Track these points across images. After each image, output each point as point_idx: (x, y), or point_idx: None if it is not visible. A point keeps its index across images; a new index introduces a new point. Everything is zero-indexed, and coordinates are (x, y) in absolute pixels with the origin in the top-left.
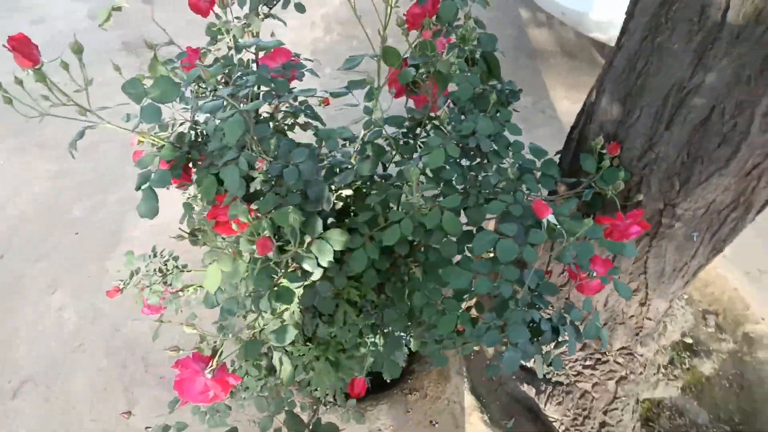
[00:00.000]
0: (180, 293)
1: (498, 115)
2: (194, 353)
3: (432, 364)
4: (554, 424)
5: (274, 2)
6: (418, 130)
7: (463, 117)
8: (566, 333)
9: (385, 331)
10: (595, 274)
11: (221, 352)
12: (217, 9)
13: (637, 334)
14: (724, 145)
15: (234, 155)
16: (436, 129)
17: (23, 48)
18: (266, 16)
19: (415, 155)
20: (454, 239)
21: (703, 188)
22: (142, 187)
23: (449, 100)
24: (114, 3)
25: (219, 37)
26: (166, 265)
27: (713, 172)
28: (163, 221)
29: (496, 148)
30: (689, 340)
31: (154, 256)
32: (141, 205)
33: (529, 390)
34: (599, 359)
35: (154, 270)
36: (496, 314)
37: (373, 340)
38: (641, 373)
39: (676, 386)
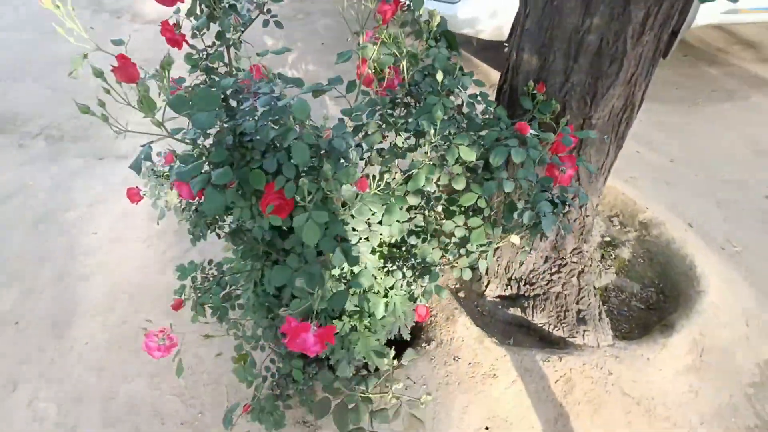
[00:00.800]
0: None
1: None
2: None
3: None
4: (544, 328)
5: (244, 29)
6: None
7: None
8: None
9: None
10: (565, 170)
11: (315, 312)
12: (191, 40)
13: (581, 234)
14: (612, 63)
15: (296, 134)
16: (417, 99)
17: (126, 67)
18: (233, 44)
19: (410, 119)
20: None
21: (606, 99)
22: (206, 190)
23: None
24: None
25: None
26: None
27: (610, 85)
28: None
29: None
30: (607, 239)
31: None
32: (206, 204)
33: (516, 311)
34: (560, 264)
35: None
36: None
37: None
38: (590, 266)
39: (612, 272)
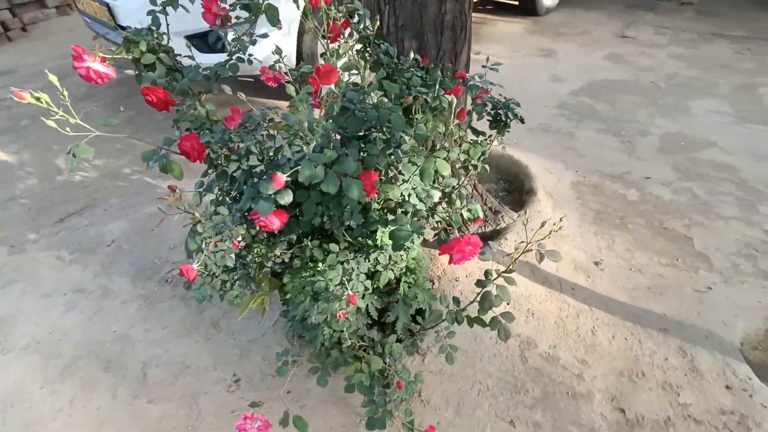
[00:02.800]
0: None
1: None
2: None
3: None
4: (479, 231)
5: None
6: None
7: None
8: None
9: None
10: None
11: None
12: None
13: None
14: (462, 31)
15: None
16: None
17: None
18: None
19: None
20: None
21: (462, 55)
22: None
23: None
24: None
25: None
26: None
27: (462, 45)
28: None
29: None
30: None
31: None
32: (262, 211)
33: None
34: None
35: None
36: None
37: None
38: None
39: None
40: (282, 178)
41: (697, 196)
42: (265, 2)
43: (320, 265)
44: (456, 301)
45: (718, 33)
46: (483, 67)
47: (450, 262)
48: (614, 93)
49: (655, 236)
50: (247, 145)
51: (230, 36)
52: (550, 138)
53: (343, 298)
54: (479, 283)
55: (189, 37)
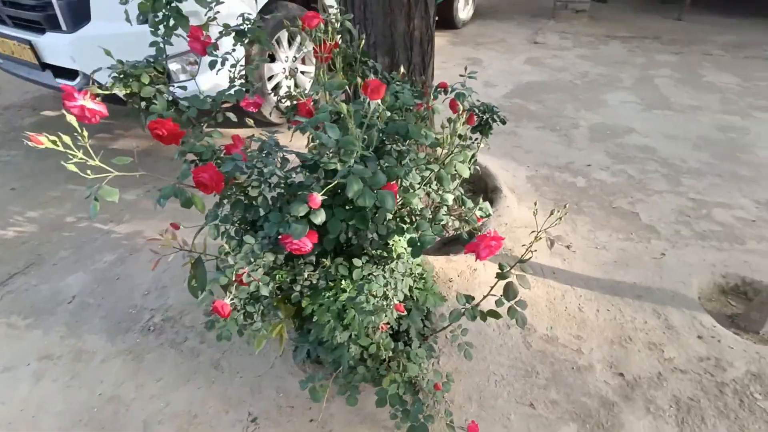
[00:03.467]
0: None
1: None
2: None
3: None
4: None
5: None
6: None
7: None
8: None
9: None
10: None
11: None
12: None
13: None
14: (429, 45)
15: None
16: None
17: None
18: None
19: None
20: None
21: (429, 67)
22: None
23: None
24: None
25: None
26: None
27: (430, 58)
28: None
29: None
30: None
31: None
32: (296, 234)
33: None
34: None
35: None
36: None
37: None
38: None
39: None
40: (318, 197)
41: (632, 176)
42: (256, 28)
43: (343, 282)
44: (469, 298)
45: (611, 35)
46: (461, 75)
47: (477, 258)
48: (540, 93)
49: (608, 216)
50: (271, 170)
51: (173, 67)
52: (497, 138)
53: (391, 306)
54: (500, 276)
55: None
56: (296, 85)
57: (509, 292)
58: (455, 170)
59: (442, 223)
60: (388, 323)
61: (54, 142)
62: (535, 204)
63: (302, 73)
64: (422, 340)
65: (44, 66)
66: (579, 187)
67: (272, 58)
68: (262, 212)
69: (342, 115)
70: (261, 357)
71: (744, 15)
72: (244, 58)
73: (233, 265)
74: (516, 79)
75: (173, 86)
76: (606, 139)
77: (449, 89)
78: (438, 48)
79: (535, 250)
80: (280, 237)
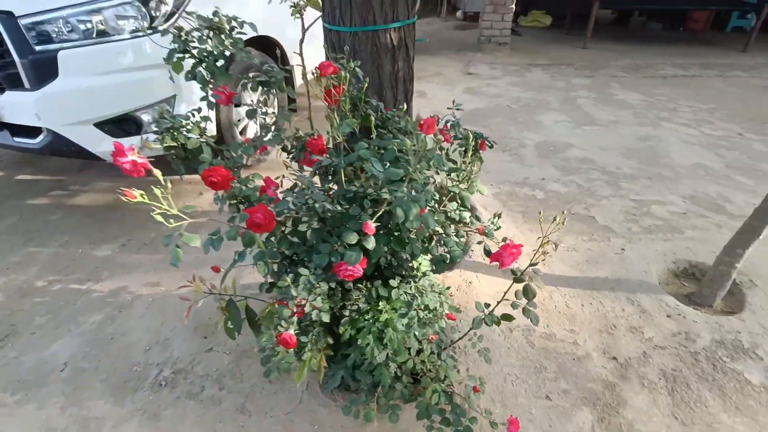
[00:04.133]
0: None
1: None
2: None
3: None
4: None
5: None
6: None
7: None
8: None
9: None
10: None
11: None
12: None
13: None
14: (410, 83)
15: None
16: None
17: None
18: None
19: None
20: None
21: (411, 102)
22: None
23: None
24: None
25: None
26: None
27: (411, 94)
28: None
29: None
30: None
31: None
32: (352, 261)
33: None
34: None
35: None
36: None
37: None
38: None
39: None
40: (372, 225)
41: (581, 185)
42: (279, 78)
43: (380, 303)
44: (487, 305)
45: (533, 63)
46: (448, 108)
47: (500, 267)
48: (484, 118)
49: (570, 221)
50: (322, 205)
51: (146, 117)
52: None
53: (443, 316)
54: (517, 279)
55: (100, 124)
56: (262, 127)
57: (528, 292)
58: (477, 190)
59: (463, 239)
60: (436, 333)
61: (141, 196)
62: (563, 213)
63: (265, 114)
64: (440, 350)
65: (1, 125)
66: (539, 199)
67: (237, 104)
68: (294, 245)
69: (387, 148)
70: (286, 394)
71: (634, 42)
72: (258, 103)
73: (296, 296)
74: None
75: (145, 137)
76: (551, 155)
77: (439, 120)
78: None
79: (547, 253)
80: (333, 265)
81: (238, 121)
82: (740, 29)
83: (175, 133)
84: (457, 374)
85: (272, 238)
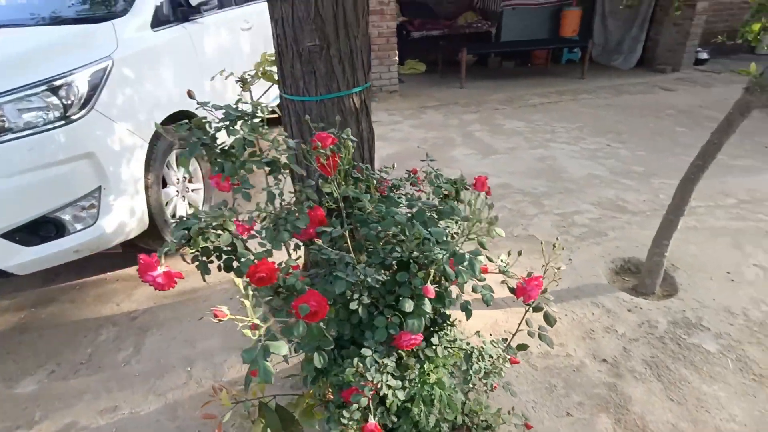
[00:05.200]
0: None
1: None
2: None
3: None
4: None
5: None
6: None
7: None
8: None
9: None
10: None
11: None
12: None
13: None
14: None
15: None
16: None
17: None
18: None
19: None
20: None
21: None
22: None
23: None
24: None
25: None
26: None
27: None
28: None
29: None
30: None
31: None
32: (415, 330)
33: None
34: None
35: None
36: None
37: None
38: None
39: None
40: (432, 288)
41: (511, 209)
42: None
43: (426, 365)
44: (504, 340)
45: (424, 106)
46: (422, 161)
47: (524, 301)
48: (402, 161)
49: (516, 243)
50: (374, 278)
51: (66, 217)
52: None
53: (507, 360)
54: (537, 308)
55: (9, 234)
56: (190, 205)
57: (549, 319)
58: (496, 233)
59: (485, 282)
60: (496, 383)
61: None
62: (557, 238)
63: (192, 191)
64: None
65: None
66: None
67: (164, 183)
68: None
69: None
70: None
71: (497, 79)
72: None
73: (371, 380)
74: (376, 154)
75: (68, 239)
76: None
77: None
78: None
79: (560, 278)
80: (393, 338)
81: (167, 203)
82: (571, 61)
83: (205, 233)
84: (500, 416)
85: (320, 324)
